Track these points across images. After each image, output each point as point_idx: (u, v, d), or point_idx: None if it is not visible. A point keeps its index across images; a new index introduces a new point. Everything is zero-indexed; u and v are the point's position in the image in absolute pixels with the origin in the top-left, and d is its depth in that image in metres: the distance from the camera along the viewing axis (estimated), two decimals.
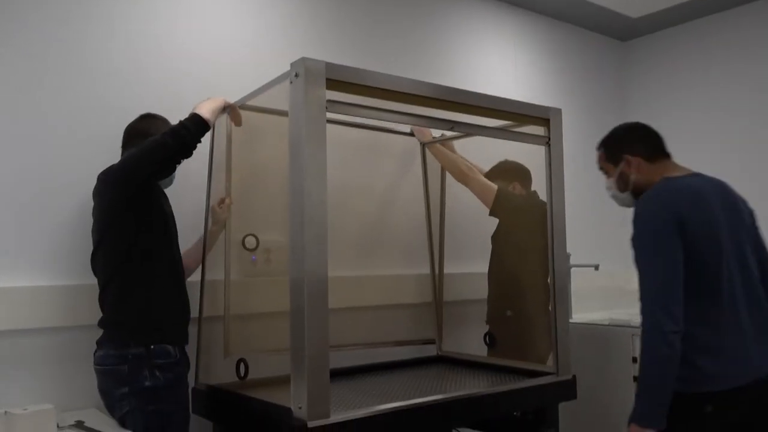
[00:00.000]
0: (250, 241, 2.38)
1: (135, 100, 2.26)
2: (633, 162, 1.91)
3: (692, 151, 3.96)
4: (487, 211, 2.76)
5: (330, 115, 1.78)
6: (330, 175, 1.72)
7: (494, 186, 2.71)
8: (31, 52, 2.11)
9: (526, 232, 2.66)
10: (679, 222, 1.69)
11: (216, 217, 2.30)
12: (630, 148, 1.94)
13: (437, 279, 3.01)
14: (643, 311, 1.68)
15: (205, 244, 2.27)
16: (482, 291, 2.87)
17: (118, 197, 1.92)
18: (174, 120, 2.00)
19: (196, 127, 1.92)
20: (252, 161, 2.39)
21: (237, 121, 2.21)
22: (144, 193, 1.95)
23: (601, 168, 2.05)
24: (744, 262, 1.78)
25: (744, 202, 1.90)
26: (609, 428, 2.97)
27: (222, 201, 2.31)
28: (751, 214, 1.90)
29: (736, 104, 3.80)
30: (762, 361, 1.75)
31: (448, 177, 2.98)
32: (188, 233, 2.23)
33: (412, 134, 2.93)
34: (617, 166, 1.95)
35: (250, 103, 2.16)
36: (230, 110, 2.13)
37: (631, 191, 1.94)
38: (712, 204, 1.77)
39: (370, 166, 2.88)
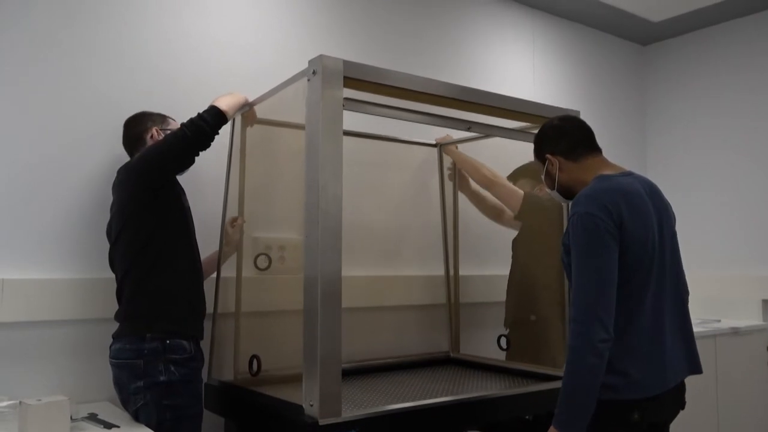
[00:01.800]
0: (263, 261, 2.38)
1: (149, 92, 2.28)
2: (554, 161, 1.84)
3: (712, 156, 3.94)
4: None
5: (348, 129, 1.77)
6: (346, 184, 1.72)
7: (520, 190, 2.69)
8: (40, 43, 2.13)
9: (553, 235, 2.64)
10: (618, 224, 1.63)
11: (228, 239, 2.29)
12: (551, 146, 1.86)
13: (452, 281, 2.99)
14: (575, 317, 1.60)
15: (220, 259, 2.27)
16: (495, 293, 2.85)
17: (139, 191, 1.94)
18: (184, 116, 2.02)
19: (213, 118, 1.94)
20: (268, 159, 2.40)
21: (252, 119, 2.22)
22: (164, 187, 1.97)
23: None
24: (668, 267, 1.74)
25: (670, 206, 1.84)
26: None
27: (234, 220, 2.30)
28: (674, 218, 1.84)
29: (758, 110, 3.75)
30: (681, 365, 1.74)
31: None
32: (204, 229, 2.22)
33: (432, 145, 2.94)
34: (544, 164, 1.88)
35: (268, 100, 2.16)
36: (247, 108, 2.15)
37: (558, 190, 1.87)
38: (648, 206, 1.71)
39: (387, 174, 2.88)
